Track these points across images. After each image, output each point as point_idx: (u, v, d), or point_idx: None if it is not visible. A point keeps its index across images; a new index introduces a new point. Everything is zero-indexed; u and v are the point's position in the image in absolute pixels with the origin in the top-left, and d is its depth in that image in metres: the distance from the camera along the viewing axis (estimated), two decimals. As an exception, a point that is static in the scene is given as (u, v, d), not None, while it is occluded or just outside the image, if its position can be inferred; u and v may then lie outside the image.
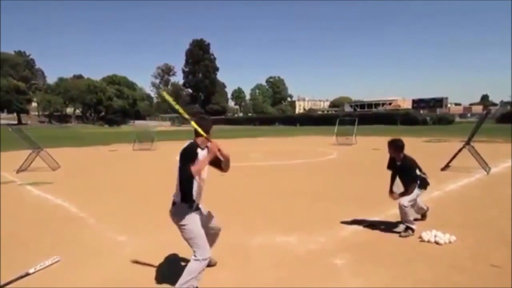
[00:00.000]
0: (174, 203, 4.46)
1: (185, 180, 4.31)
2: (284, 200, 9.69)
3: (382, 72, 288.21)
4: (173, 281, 4.72)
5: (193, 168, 4.17)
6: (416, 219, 6.96)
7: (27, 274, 4.94)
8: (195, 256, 4.30)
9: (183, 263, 5.26)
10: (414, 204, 6.76)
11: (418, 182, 6.70)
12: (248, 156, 20.40)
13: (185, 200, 4.39)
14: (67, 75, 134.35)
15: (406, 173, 6.75)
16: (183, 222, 4.35)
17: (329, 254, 5.70)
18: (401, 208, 6.59)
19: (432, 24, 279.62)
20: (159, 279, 4.90)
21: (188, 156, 4.27)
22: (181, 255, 5.63)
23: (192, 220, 4.39)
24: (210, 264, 4.77)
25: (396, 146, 6.80)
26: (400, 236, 6.50)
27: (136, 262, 5.46)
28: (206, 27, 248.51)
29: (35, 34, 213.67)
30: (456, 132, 36.71)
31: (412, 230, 6.55)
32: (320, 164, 17.77)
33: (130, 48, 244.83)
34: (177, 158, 4.30)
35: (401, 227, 6.69)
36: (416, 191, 6.69)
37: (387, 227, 6.93)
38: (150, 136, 28.24)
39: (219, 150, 4.31)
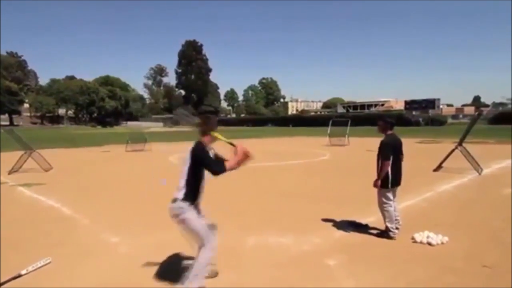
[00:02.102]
0: (175, 200, 4.46)
1: (195, 179, 4.47)
2: (278, 200, 9.71)
3: (374, 73, 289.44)
4: (167, 281, 4.73)
5: (228, 164, 4.47)
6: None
7: (19, 276, 4.92)
8: (203, 246, 4.43)
9: (177, 263, 5.26)
10: (389, 203, 6.58)
11: (389, 168, 6.46)
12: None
13: (188, 198, 4.44)
14: (60, 76, 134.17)
15: (380, 150, 6.60)
16: (184, 216, 4.41)
17: (323, 255, 5.70)
18: (379, 208, 6.70)
19: (425, 25, 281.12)
20: (153, 279, 4.89)
21: (206, 154, 4.46)
22: (175, 255, 5.63)
23: (192, 213, 4.46)
24: (210, 276, 4.82)
25: (383, 121, 6.81)
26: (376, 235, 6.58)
27: (130, 262, 5.45)
28: (199, 28, 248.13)
29: (27, 35, 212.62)
30: (448, 133, 36.93)
31: (389, 236, 6.49)
32: (313, 165, 17.79)
33: (123, 49, 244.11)
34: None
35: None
36: (386, 190, 6.56)
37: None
38: (143, 137, 28.16)
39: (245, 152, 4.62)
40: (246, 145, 4.74)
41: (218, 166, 4.39)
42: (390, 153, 6.48)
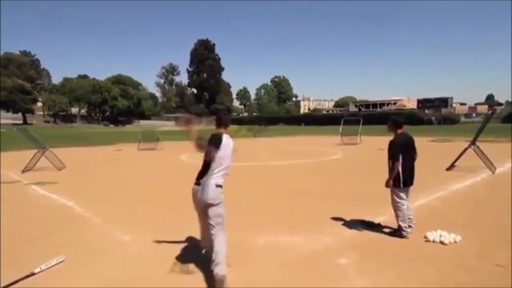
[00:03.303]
0: (220, 185, 4.89)
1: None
2: (289, 199, 9.70)
3: (387, 72, 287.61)
4: (179, 279, 4.74)
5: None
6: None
7: (33, 274, 4.95)
8: (222, 231, 4.87)
9: (188, 262, 5.27)
10: (402, 203, 6.52)
11: (400, 166, 6.40)
12: (253, 155, 20.39)
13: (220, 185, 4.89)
14: (72, 75, 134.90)
15: (389, 150, 6.57)
16: (219, 202, 4.88)
17: (334, 254, 5.69)
18: (392, 207, 6.67)
19: (438, 23, 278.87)
20: (165, 278, 4.90)
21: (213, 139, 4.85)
22: (186, 253, 5.65)
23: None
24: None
25: (392, 121, 6.78)
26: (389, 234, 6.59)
27: (142, 261, 5.47)
28: (212, 27, 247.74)
29: (40, 34, 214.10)
30: (461, 132, 36.62)
31: (401, 235, 6.45)
32: (325, 164, 17.77)
33: (135, 48, 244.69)
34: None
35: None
36: (397, 190, 6.52)
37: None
38: (155, 136, 28.25)
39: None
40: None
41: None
42: (399, 152, 6.42)
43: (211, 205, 4.79)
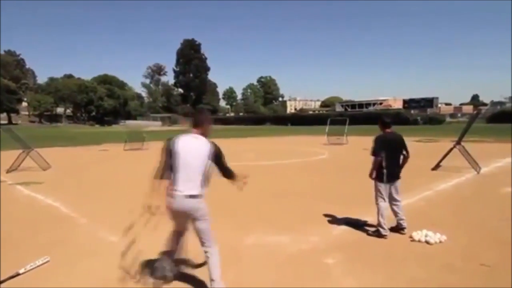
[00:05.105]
0: (195, 196, 4.31)
1: (208, 175, 4.47)
2: (276, 199, 9.70)
3: (373, 72, 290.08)
4: (164, 280, 4.71)
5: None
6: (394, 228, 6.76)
7: (18, 274, 4.91)
8: (213, 247, 4.39)
9: (175, 263, 5.24)
10: (382, 198, 6.62)
11: (384, 165, 6.52)
12: (240, 156, 20.36)
13: (203, 196, 4.45)
14: (58, 74, 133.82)
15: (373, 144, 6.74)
16: (207, 217, 4.43)
17: (321, 254, 5.71)
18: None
19: (423, 24, 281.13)
20: (151, 278, 4.88)
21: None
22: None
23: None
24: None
25: (381, 121, 6.90)
26: (368, 234, 6.65)
27: (128, 262, 5.44)
28: (197, 27, 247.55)
29: (25, 34, 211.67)
30: (447, 132, 36.89)
31: (381, 234, 6.48)
32: (311, 164, 17.81)
33: (121, 48, 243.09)
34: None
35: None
36: (380, 184, 6.61)
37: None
38: (141, 136, 28.11)
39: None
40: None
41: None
42: (379, 148, 6.56)
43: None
